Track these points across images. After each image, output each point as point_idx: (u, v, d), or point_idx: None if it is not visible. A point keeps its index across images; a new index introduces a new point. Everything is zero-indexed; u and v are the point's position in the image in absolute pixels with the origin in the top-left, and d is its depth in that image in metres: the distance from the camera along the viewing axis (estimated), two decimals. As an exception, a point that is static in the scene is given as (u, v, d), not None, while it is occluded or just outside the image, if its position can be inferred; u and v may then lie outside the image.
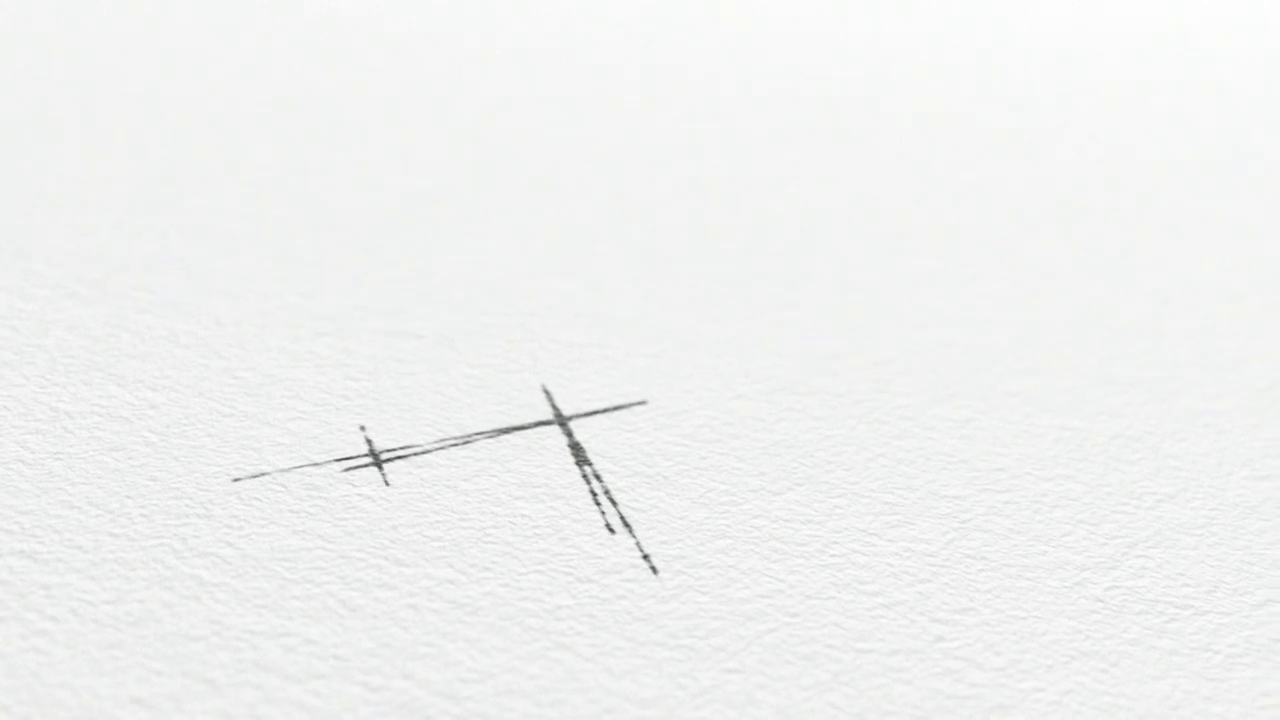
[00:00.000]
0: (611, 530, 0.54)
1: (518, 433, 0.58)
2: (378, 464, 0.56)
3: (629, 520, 0.54)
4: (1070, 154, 0.85)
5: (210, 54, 0.85)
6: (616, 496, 0.55)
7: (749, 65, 0.92)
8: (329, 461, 0.55)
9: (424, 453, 0.57)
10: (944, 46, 0.99)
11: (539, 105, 0.83)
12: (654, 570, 0.52)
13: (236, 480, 0.54)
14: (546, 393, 0.60)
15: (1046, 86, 0.95)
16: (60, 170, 0.71)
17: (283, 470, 0.55)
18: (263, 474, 0.54)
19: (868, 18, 1.01)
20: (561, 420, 0.59)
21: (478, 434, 0.58)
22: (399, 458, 0.56)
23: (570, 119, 0.82)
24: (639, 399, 0.61)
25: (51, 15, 0.88)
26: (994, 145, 0.85)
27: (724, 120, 0.84)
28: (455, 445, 0.57)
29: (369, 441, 0.57)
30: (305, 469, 0.55)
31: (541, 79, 0.86)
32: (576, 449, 0.58)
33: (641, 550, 0.53)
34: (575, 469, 0.57)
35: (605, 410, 0.60)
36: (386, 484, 0.55)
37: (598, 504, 0.55)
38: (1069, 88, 0.95)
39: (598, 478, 0.56)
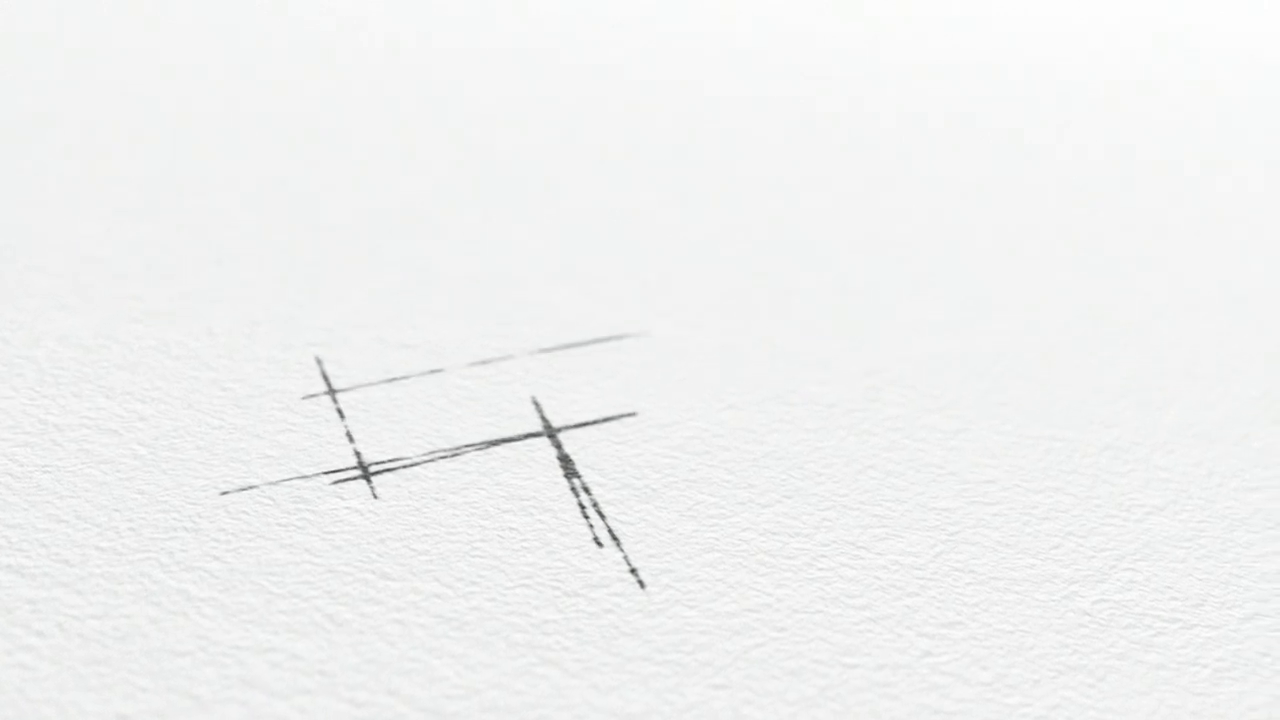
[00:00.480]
0: (599, 544, 0.54)
1: (507, 445, 0.58)
2: (366, 477, 0.56)
3: (617, 533, 0.54)
4: (1065, 161, 0.85)
5: (199, 63, 0.85)
6: (605, 509, 0.55)
7: (741, 71, 0.92)
8: (318, 474, 0.56)
9: (413, 465, 0.57)
10: (938, 51, 0.99)
11: (530, 113, 0.83)
12: (641, 584, 0.52)
13: (224, 493, 0.54)
14: (536, 404, 0.60)
15: (1039, 96, 0.95)
16: (52, 177, 0.71)
17: (271, 483, 0.55)
18: (251, 487, 0.55)
19: (862, 20, 1.01)
20: (551, 432, 0.59)
21: (467, 446, 0.58)
22: (388, 470, 0.56)
23: (561, 127, 0.82)
24: (629, 410, 0.61)
25: (44, 20, 0.88)
26: (987, 151, 0.85)
27: (716, 126, 0.84)
28: (444, 457, 0.57)
29: (358, 454, 0.57)
30: (294, 482, 0.55)
31: (530, 86, 0.86)
32: (565, 461, 0.58)
33: (629, 564, 0.53)
34: (564, 481, 0.57)
35: (595, 422, 0.60)
36: (375, 497, 0.55)
37: (586, 517, 0.55)
38: (1062, 96, 0.95)
39: (586, 490, 0.56)
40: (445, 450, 0.57)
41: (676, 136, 0.82)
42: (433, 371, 0.62)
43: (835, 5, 1.03)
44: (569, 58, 0.90)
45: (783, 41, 0.97)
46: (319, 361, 0.61)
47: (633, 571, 0.53)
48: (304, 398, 0.59)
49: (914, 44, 0.99)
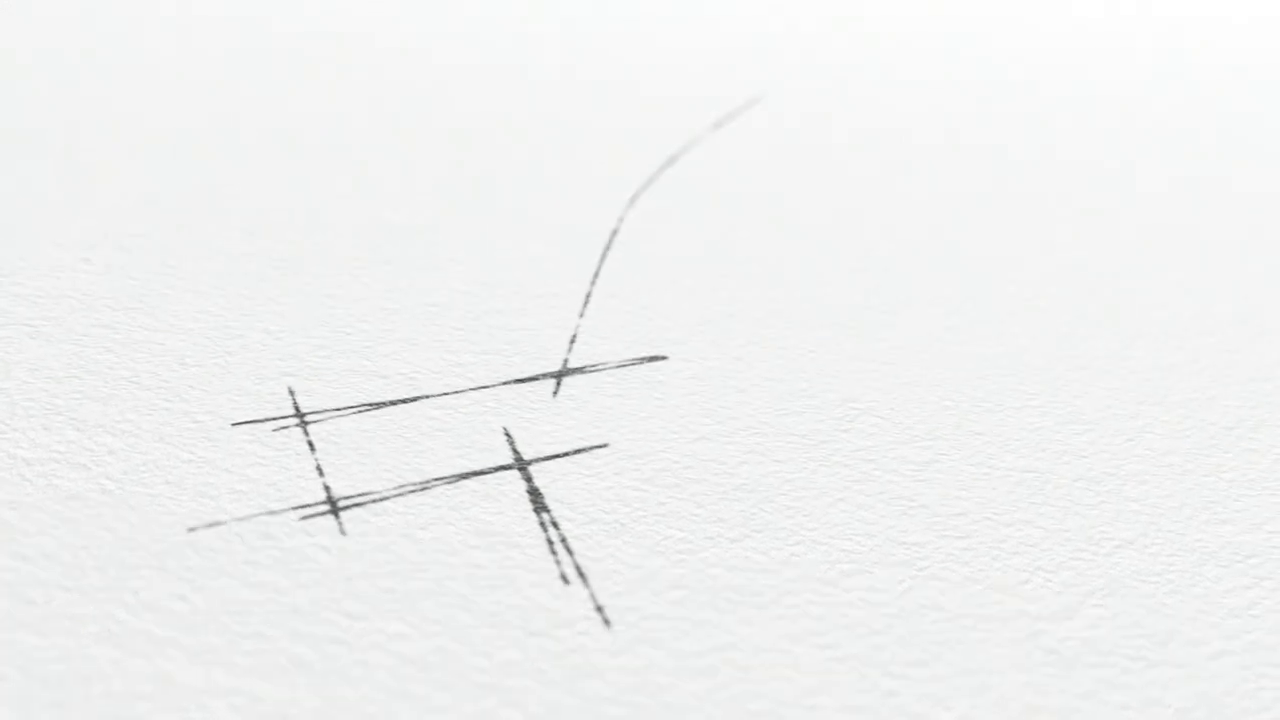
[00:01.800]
0: (566, 580, 0.54)
1: (477, 478, 0.58)
2: (335, 512, 0.56)
3: (584, 570, 0.54)
4: (1048, 185, 0.85)
5: (191, 82, 0.85)
6: (573, 545, 0.55)
7: (729, 88, 0.92)
8: (286, 510, 0.56)
9: (382, 500, 0.57)
10: (931, 70, 0.99)
11: (506, 137, 0.83)
12: (607, 623, 0.52)
13: (192, 530, 0.54)
14: (508, 435, 0.60)
15: (1026, 117, 0.95)
16: (24, 204, 0.71)
17: (239, 519, 0.55)
18: (219, 523, 0.55)
19: (858, 33, 1.01)
20: (521, 465, 0.59)
21: (436, 480, 0.58)
22: (356, 505, 0.56)
23: (540, 149, 0.81)
24: (600, 441, 0.60)
25: (29, 36, 0.88)
26: (971, 172, 0.84)
27: (700, 146, 0.84)
28: (413, 491, 0.57)
29: (327, 488, 0.57)
30: (262, 517, 0.55)
31: (510, 108, 0.86)
32: (535, 495, 0.58)
33: (595, 602, 0.53)
34: (533, 516, 0.57)
35: (566, 454, 0.60)
36: (343, 533, 0.55)
37: (554, 553, 0.55)
38: (1055, 113, 0.95)
39: (555, 525, 0.56)
40: (414, 484, 0.57)
41: (648, 167, 0.82)
42: (406, 401, 0.62)
43: (826, 19, 1.02)
44: (540, 86, 0.90)
45: (778, 53, 0.96)
46: (291, 392, 0.61)
47: (599, 609, 0.53)
48: (275, 429, 0.59)
49: (901, 62, 0.98)
